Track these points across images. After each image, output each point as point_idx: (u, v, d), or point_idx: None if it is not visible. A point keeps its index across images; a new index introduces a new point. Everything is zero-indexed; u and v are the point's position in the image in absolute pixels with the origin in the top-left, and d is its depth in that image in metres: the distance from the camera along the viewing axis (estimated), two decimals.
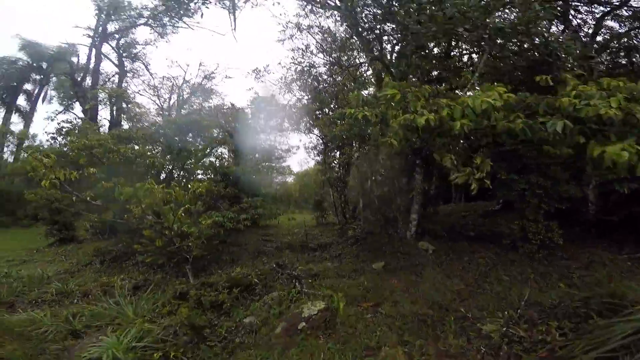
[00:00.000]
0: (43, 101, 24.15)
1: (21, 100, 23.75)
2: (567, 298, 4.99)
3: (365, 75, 11.55)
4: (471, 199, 14.24)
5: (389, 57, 8.54)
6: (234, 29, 8.70)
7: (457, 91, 6.25)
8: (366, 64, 10.52)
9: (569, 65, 5.28)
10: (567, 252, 7.07)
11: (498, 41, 4.67)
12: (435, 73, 8.45)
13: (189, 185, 5.73)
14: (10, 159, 21.70)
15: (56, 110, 21.79)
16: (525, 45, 5.78)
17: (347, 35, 10.59)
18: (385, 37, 8.48)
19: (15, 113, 23.16)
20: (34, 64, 22.29)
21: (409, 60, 6.69)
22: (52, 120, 17.28)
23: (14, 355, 3.92)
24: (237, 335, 4.78)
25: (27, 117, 23.53)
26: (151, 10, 19.10)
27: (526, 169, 7.07)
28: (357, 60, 11.66)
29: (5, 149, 21.20)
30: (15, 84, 22.19)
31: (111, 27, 21.79)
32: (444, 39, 6.34)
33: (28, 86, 23.72)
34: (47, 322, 4.69)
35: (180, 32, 22.32)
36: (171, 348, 4.20)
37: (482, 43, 4.81)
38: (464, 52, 8.83)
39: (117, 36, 22.20)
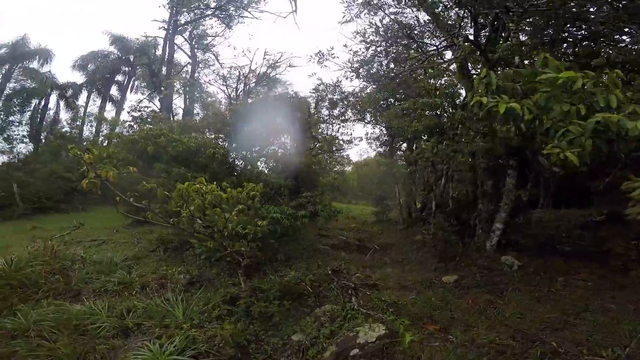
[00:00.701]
0: (131, 91, 26.84)
1: (114, 90, 26.65)
2: None
3: (442, 64, 9.95)
4: (563, 205, 11.98)
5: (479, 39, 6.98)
6: (295, 11, 8.07)
7: None
8: (447, 50, 8.88)
9: None
10: None
11: None
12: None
13: (244, 185, 5.32)
14: (105, 143, 24.58)
15: (138, 99, 23.89)
16: None
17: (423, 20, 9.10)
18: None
19: (109, 102, 26.10)
20: (123, 57, 24.60)
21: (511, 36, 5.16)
22: (134, 109, 19.00)
23: (65, 352, 3.90)
24: (283, 355, 4.33)
25: (119, 105, 26.36)
26: (217, 1, 19.58)
27: None
28: (430, 47, 10.09)
29: (100, 135, 23.95)
30: (108, 75, 24.81)
31: (183, 19, 22.93)
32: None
33: (119, 77, 26.48)
34: (103, 316, 4.69)
35: (243, 21, 22.54)
36: None
37: None
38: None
39: (188, 28, 23.32)
